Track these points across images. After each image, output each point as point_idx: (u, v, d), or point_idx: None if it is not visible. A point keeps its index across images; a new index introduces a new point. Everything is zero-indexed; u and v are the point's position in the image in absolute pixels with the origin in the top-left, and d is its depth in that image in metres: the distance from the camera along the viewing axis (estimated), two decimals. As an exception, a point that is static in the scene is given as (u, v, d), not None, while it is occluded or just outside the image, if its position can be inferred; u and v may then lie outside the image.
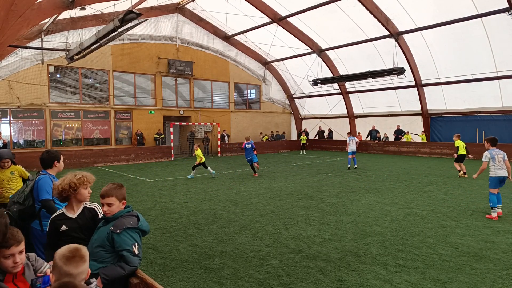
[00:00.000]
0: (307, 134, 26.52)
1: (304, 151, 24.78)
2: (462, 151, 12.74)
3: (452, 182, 11.45)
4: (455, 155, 12.84)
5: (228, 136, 25.13)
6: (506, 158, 7.11)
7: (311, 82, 23.01)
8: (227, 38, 24.96)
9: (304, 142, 24.77)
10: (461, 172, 12.62)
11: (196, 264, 4.86)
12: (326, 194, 9.59)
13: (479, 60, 18.44)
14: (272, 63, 27.65)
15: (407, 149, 22.21)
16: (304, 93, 28.24)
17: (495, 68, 18.20)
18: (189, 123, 23.02)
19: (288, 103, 29.94)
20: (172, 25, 22.52)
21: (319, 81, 22.45)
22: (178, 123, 22.12)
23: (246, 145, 13.69)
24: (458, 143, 12.79)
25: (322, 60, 24.22)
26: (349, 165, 15.47)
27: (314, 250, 5.29)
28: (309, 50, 23.91)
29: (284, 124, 30.07)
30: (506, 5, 15.42)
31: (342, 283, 4.20)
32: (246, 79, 27.09)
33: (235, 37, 25.13)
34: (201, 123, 23.40)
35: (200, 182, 12.03)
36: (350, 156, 15.50)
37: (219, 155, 23.10)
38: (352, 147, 15.35)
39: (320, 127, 28.15)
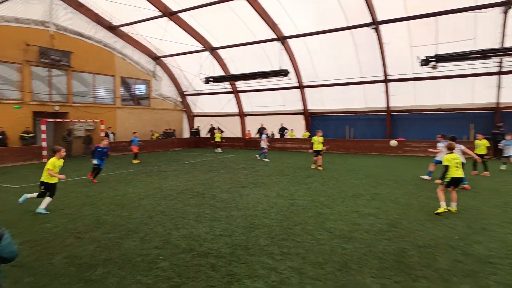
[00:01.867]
0: (222, 131, 25.71)
1: (220, 148, 23.81)
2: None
3: (327, 173, 12.88)
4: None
5: (114, 134, 23.27)
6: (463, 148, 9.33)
7: (203, 80, 22.99)
8: (113, 29, 23.06)
9: (219, 140, 24.06)
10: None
11: (74, 277, 4.37)
12: (218, 191, 9.73)
13: (349, 66, 21.18)
14: (162, 59, 26.66)
15: (291, 145, 24.12)
16: (196, 90, 28.06)
17: (361, 74, 21.16)
18: (67, 120, 20.51)
19: (180, 100, 29.35)
20: (45, 8, 19.66)
21: (211, 79, 22.59)
22: (52, 120, 19.47)
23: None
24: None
25: (214, 59, 24.42)
26: (258, 157, 18.18)
27: (205, 248, 5.31)
28: (201, 48, 23.85)
29: (175, 122, 29.35)
30: (371, 20, 18.04)
31: (232, 276, 4.31)
32: (135, 73, 25.51)
33: (122, 28, 23.38)
34: (82, 120, 21.08)
35: (81, 186, 10.86)
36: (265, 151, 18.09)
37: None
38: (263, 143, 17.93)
39: (211, 124, 28.41)
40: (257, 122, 26.53)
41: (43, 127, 18.41)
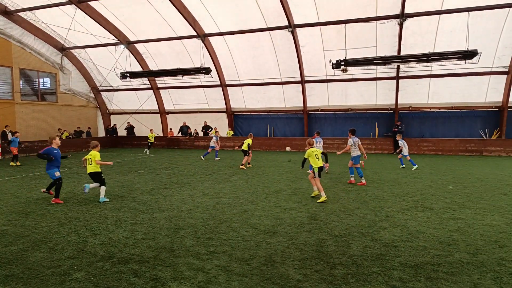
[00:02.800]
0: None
1: (148, 151, 21.17)
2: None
3: (251, 171, 13.18)
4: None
5: (14, 133, 20.44)
6: (360, 143, 10.46)
7: (119, 75, 21.58)
8: (8, 14, 20.27)
9: (152, 140, 21.14)
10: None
11: (-34, 300, 3.76)
12: (139, 193, 9.26)
13: (268, 67, 21.91)
14: (71, 50, 24.31)
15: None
16: (111, 86, 26.23)
17: (280, 74, 22.06)
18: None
19: (93, 96, 27.12)
20: None
21: (128, 74, 21.33)
22: None
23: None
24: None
25: (130, 53, 23.09)
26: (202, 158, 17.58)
27: (126, 253, 5.01)
28: (116, 41, 22.35)
29: (89, 119, 27.07)
30: (287, 23, 18.89)
31: (157, 281, 4.15)
32: (37, 65, 22.81)
33: (20, 14, 20.70)
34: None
35: (-29, 193, 9.35)
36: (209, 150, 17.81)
37: (0, 157, 18.57)
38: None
39: (128, 122, 26.91)
40: (179, 120, 25.89)
41: None
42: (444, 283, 4.04)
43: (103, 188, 8.40)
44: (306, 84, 21.84)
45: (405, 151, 13.76)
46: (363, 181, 10.31)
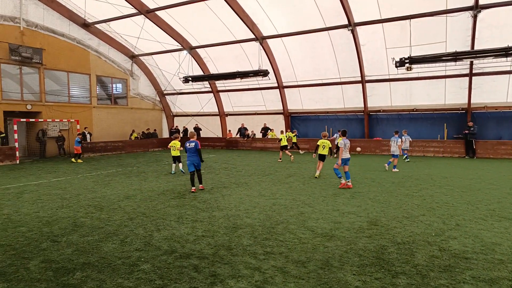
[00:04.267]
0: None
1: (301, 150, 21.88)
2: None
3: (308, 173, 13.03)
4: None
5: (91, 134, 22.66)
6: (350, 145, 10.22)
7: (182, 79, 22.75)
8: (87, 26, 22.45)
9: (285, 143, 17.77)
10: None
11: (51, 282, 4.23)
12: (199, 191, 9.65)
13: (327, 67, 21.47)
14: (140, 57, 26.19)
15: (271, 145, 24.17)
16: (175, 90, 27.73)
17: (339, 74, 21.51)
18: (40, 120, 19.81)
19: (159, 100, 28.92)
20: (15, 3, 18.91)
21: (190, 78, 22.39)
22: (24, 120, 18.76)
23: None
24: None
25: (192, 58, 24.20)
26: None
27: (187, 249, 5.26)
28: (180, 47, 23.58)
29: (155, 121, 28.90)
30: (346, 22, 18.37)
31: (215, 277, 4.30)
32: (111, 72, 24.93)
33: (97, 26, 22.82)
34: (56, 120, 20.41)
35: (56, 188, 10.52)
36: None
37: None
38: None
39: (196, 124, 28.10)
40: (237, 122, 26.51)
41: (15, 127, 17.73)
42: (526, 302, 3.62)
43: (181, 164, 13.09)
44: (367, 84, 21.01)
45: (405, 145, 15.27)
46: (345, 181, 10.07)
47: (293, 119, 25.05)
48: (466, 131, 18.22)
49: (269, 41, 21.57)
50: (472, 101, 18.88)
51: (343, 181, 10.10)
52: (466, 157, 18.37)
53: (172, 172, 13.38)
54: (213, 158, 19.25)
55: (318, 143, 11.73)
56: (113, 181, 11.70)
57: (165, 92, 28.38)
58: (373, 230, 6.04)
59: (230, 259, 4.87)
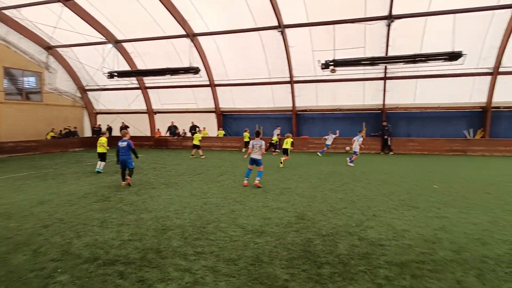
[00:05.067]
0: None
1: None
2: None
3: (239, 170, 13.17)
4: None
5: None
6: (263, 146, 10.10)
7: (106, 75, 21.30)
8: (-9, 10, 19.82)
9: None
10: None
11: None
12: (126, 193, 9.16)
13: (257, 67, 21.90)
14: (57, 49, 23.90)
15: (203, 143, 23.91)
16: (98, 85, 25.87)
17: (269, 74, 22.09)
18: None
19: (80, 96, 26.72)
20: None
21: (116, 74, 21.06)
22: None
23: None
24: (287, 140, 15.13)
25: (118, 52, 22.81)
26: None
27: (112, 255, 4.95)
28: (104, 40, 22.06)
29: (75, 119, 26.65)
30: (276, 23, 18.91)
31: (143, 282, 4.11)
32: (22, 64, 22.36)
33: (5, 12, 20.24)
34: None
35: (-48, 195, 9.11)
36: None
37: (-17, 157, 18.15)
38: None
39: (123, 122, 26.53)
40: (167, 120, 25.71)
41: None
42: (429, 280, 4.10)
43: (103, 163, 12.96)
44: (295, 84, 21.91)
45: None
46: (246, 182, 10.17)
47: (225, 118, 25.09)
48: (381, 132, 20.23)
49: (200, 38, 21.27)
50: (386, 102, 20.84)
51: (245, 181, 10.13)
52: (381, 153, 20.22)
53: (96, 170, 12.93)
54: (141, 158, 18.40)
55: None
56: (25, 185, 10.51)
57: (87, 87, 26.32)
58: (301, 224, 6.32)
59: (159, 262, 4.70)
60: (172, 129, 25.09)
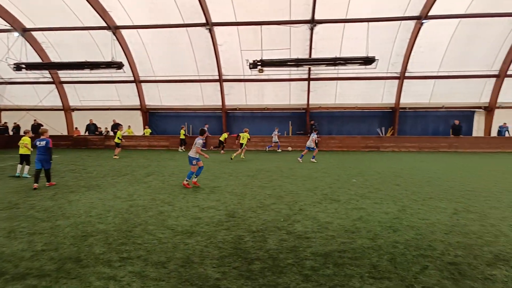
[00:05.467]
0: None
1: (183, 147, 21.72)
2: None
3: (167, 170, 12.78)
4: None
5: None
6: (197, 145, 9.63)
7: (12, 66, 18.94)
8: None
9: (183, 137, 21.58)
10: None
11: None
12: (38, 199, 8.26)
13: (186, 64, 21.47)
14: None
15: (128, 142, 22.72)
16: (2, 78, 22.88)
17: (198, 72, 21.79)
18: None
19: (-22, 90, 23.38)
20: None
21: (24, 65, 18.85)
22: None
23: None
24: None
25: (27, 42, 20.44)
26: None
27: (22, 268, 4.43)
28: (9, 27, 19.58)
29: (-28, 116, 23.24)
30: (204, 21, 18.71)
31: (60, 295, 3.76)
32: None
33: None
34: None
35: None
36: None
37: None
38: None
39: (35, 120, 23.82)
40: (87, 118, 23.83)
41: None
42: (349, 267, 4.45)
43: (28, 168, 11.13)
44: (224, 83, 21.97)
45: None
46: (191, 180, 9.92)
47: (152, 116, 24.11)
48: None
49: (123, 31, 20.10)
50: (310, 102, 22.03)
51: (192, 180, 9.82)
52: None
53: (17, 175, 11.49)
54: (58, 159, 16.78)
55: (240, 134, 16.69)
56: None
57: (-13, 80, 23.13)
58: (231, 222, 6.37)
59: (79, 272, 4.34)
60: (91, 127, 23.32)
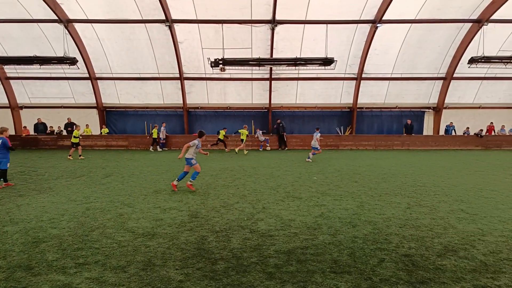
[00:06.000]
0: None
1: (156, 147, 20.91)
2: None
3: (127, 171, 12.34)
4: None
5: None
6: (200, 146, 9.33)
7: (-51, 59, 17.34)
8: None
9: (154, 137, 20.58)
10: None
11: None
12: (-18, 204, 7.63)
13: (145, 61, 20.84)
14: None
15: (84, 142, 21.63)
16: None
17: (157, 70, 21.24)
18: None
19: None
20: None
21: (-37, 59, 17.32)
22: None
23: None
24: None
25: (-34, 33, 18.80)
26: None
27: (-36, 280, 4.07)
28: None
29: None
30: (164, 17, 18.27)
31: (9, 307, 3.50)
32: None
33: None
34: None
35: None
36: None
37: None
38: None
39: None
40: (37, 116, 22.37)
41: None
42: (311, 263, 4.55)
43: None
44: (185, 81, 21.61)
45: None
46: (182, 183, 9.71)
47: (108, 114, 23.15)
48: (275, 126, 21.51)
49: (77, 25, 19.10)
50: (272, 102, 22.28)
51: (187, 183, 9.18)
52: (279, 149, 21.47)
53: None
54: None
55: (240, 131, 18.68)
56: None
57: None
58: (194, 223, 6.28)
59: (30, 280, 4.07)
60: (40, 127, 21.93)
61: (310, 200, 7.99)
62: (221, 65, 17.71)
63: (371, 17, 18.98)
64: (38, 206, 7.44)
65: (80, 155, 16.43)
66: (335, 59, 17.48)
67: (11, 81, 21.80)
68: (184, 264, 4.55)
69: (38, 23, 18.77)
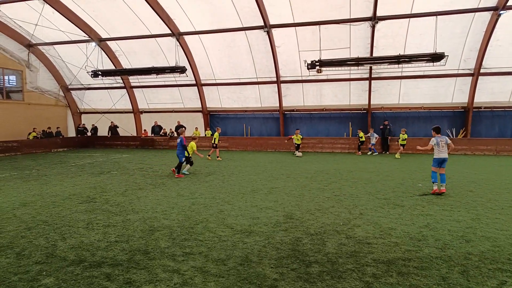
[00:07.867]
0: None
1: (297, 151, 19.36)
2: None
3: (227, 171, 13.14)
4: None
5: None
6: (448, 141, 8.97)
7: (90, 73, 20.93)
8: (-31, 6, 19.21)
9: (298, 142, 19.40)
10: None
11: None
12: (112, 194, 9.02)
13: (244, 66, 21.89)
14: (38, 46, 23.33)
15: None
16: (82, 84, 25.41)
17: (256, 74, 22.10)
18: None
19: (63, 95, 26.16)
20: None
21: (100, 72, 20.73)
22: None
23: None
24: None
25: (102, 51, 22.43)
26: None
27: (98, 257, 4.87)
28: (87, 38, 21.64)
29: (58, 119, 26.09)
30: (262, 23, 18.95)
31: (131, 284, 4.06)
32: (2, 62, 21.75)
33: (-18, 7, 19.67)
34: None
35: None
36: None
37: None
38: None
39: (112, 122, 26.00)
40: (153, 120, 25.44)
41: None
42: (415, 277, 4.18)
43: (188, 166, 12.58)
44: (282, 84, 21.99)
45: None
46: (436, 187, 8.88)
47: (212, 118, 24.98)
48: (382, 127, 20.34)
49: (186, 37, 21.13)
50: (371, 102, 21.12)
51: (435, 187, 8.87)
52: (383, 152, 20.33)
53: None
54: (127, 158, 18.16)
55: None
56: (6, 186, 10.24)
57: (70, 86, 25.80)
58: (289, 224, 6.36)
59: (146, 263, 4.65)
60: (156, 129, 24.83)
61: (413, 209, 7.35)
62: (317, 67, 17.53)
63: (491, 3, 16.52)
64: (154, 199, 8.46)
65: (218, 157, 17.26)
66: (445, 54, 15.71)
67: (134, 90, 25.24)
68: (279, 263, 4.64)
69: (155, 38, 21.35)
